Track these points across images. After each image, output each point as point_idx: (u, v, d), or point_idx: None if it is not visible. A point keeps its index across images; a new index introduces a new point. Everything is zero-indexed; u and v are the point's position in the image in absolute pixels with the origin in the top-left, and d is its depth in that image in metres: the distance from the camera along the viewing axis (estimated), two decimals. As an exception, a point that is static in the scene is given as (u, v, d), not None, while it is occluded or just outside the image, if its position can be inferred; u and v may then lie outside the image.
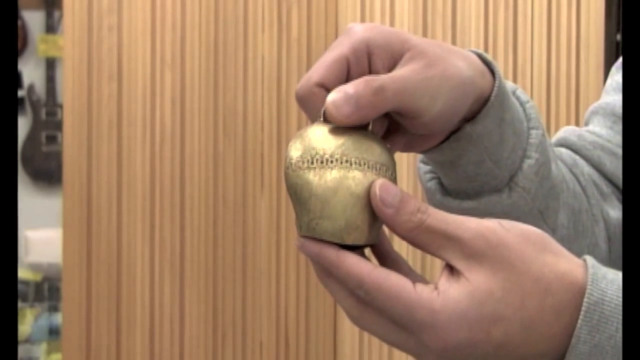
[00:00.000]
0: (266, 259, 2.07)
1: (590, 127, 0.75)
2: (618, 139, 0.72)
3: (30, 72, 3.67)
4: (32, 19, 3.65)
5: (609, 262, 0.71)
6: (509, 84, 0.63)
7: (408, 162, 1.95)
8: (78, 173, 2.04)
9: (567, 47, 2.04)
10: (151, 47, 2.05)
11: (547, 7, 2.04)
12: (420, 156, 0.65)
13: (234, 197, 2.06)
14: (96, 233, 2.04)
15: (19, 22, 3.59)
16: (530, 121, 0.62)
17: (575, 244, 0.67)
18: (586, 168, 0.72)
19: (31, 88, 3.65)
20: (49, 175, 3.64)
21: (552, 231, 0.64)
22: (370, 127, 0.53)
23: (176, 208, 2.05)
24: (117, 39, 2.04)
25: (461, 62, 0.55)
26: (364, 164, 0.51)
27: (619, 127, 0.72)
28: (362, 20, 2.06)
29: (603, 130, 0.73)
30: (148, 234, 2.05)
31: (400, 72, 0.52)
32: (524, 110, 0.62)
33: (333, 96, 0.50)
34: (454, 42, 2.05)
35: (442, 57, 0.53)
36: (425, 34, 2.05)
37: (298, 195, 0.51)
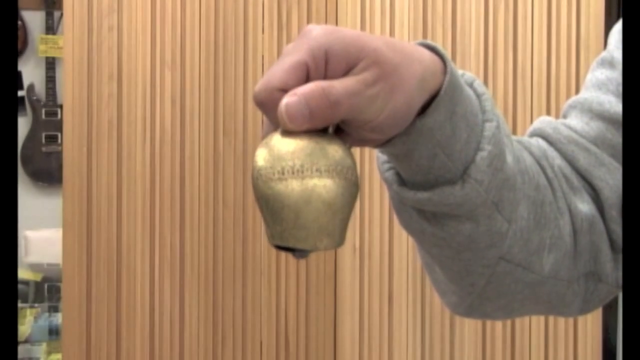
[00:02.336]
0: (266, 259, 2.07)
1: (567, 121, 0.75)
2: (593, 135, 0.72)
3: (30, 72, 3.67)
4: (32, 19, 3.65)
5: (574, 255, 0.70)
6: (467, 75, 0.63)
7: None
8: (78, 173, 2.04)
9: (567, 47, 2.04)
10: (151, 47, 2.05)
11: (547, 7, 2.04)
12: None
13: (234, 197, 2.06)
14: (96, 233, 2.04)
15: (19, 22, 3.59)
16: (485, 113, 0.62)
17: (535, 234, 0.67)
18: (558, 160, 0.72)
19: (31, 88, 3.65)
20: (49, 175, 3.64)
21: (508, 222, 0.65)
22: (330, 129, 0.54)
23: (176, 208, 2.05)
24: (117, 39, 2.04)
25: (416, 67, 0.55)
26: (333, 171, 0.52)
27: (594, 123, 0.73)
28: (362, 20, 2.06)
29: (579, 126, 0.73)
30: (148, 234, 2.05)
31: (353, 84, 0.52)
32: (480, 102, 0.62)
33: (286, 101, 0.51)
34: (454, 42, 2.05)
35: (397, 68, 0.54)
36: (425, 34, 2.05)
37: (270, 206, 0.52)
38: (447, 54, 0.59)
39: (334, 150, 0.52)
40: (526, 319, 2.06)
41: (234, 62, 2.06)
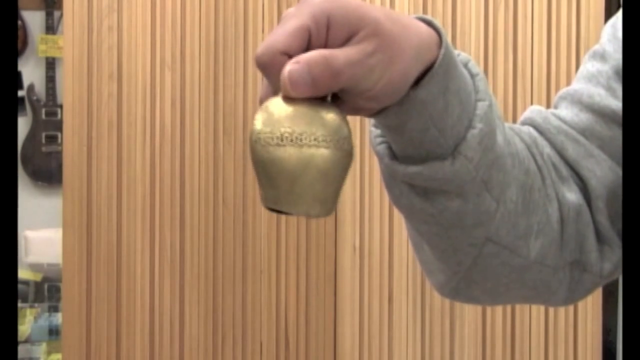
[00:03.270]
0: (266, 259, 2.07)
1: (557, 111, 0.76)
2: (582, 126, 0.73)
3: (30, 72, 3.67)
4: (32, 19, 3.65)
5: (560, 243, 0.71)
6: (463, 56, 0.64)
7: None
8: (78, 173, 2.04)
9: (567, 47, 2.04)
10: (151, 47, 2.05)
11: (547, 7, 2.04)
12: (371, 120, 0.66)
13: (234, 197, 2.06)
14: (96, 233, 2.04)
15: (19, 22, 3.59)
16: (479, 93, 0.63)
17: (523, 219, 0.68)
18: (547, 149, 0.72)
19: (31, 88, 3.65)
20: (49, 175, 3.64)
21: (497, 202, 0.65)
22: (329, 97, 0.55)
23: (176, 208, 2.05)
24: (117, 39, 2.04)
25: (413, 38, 0.57)
26: (330, 141, 0.53)
27: (584, 115, 0.73)
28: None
29: (569, 117, 0.74)
30: (148, 234, 2.05)
31: (354, 53, 0.53)
32: (474, 82, 0.63)
33: (290, 68, 0.52)
34: (454, 42, 2.05)
35: (395, 39, 0.55)
36: (425, 34, 2.05)
37: (267, 170, 0.53)
38: (442, 27, 0.60)
39: (332, 120, 0.53)
40: (526, 318, 2.06)
41: (234, 62, 2.06)
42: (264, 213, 2.05)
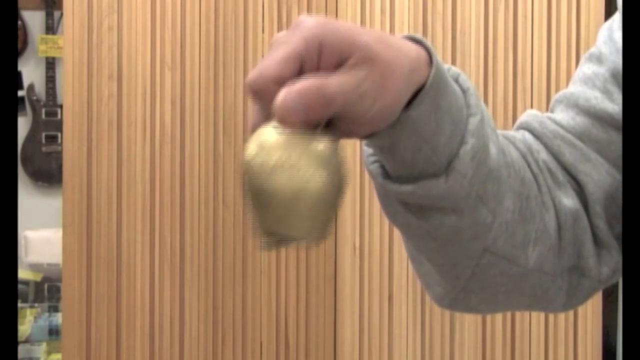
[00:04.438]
0: (266, 259, 2.07)
1: (553, 115, 0.75)
2: (578, 130, 0.73)
3: (30, 72, 3.67)
4: (32, 19, 3.65)
5: (558, 249, 0.71)
6: (453, 70, 0.64)
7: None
8: (78, 173, 2.04)
9: (567, 47, 2.04)
10: (151, 47, 2.05)
11: (547, 7, 2.04)
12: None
13: (234, 197, 2.06)
14: (96, 233, 2.04)
15: (19, 22, 3.59)
16: (470, 108, 0.63)
17: (520, 228, 0.68)
18: (543, 155, 0.72)
19: (31, 88, 3.65)
20: (49, 175, 3.64)
21: (493, 215, 0.65)
22: (322, 125, 0.55)
23: (176, 208, 2.05)
24: (117, 39, 2.04)
25: (404, 61, 0.56)
26: (324, 167, 0.52)
27: (580, 118, 0.73)
28: (362, 20, 2.06)
29: (565, 120, 0.74)
30: (148, 234, 2.05)
31: (347, 80, 0.53)
32: (465, 97, 0.63)
33: (283, 96, 0.52)
34: (454, 42, 2.05)
35: (388, 64, 0.55)
36: (425, 34, 2.05)
37: (260, 199, 0.52)
38: (434, 47, 0.60)
39: (326, 147, 0.53)
40: (526, 319, 2.06)
41: (234, 62, 2.06)
42: (264, 213, 2.05)
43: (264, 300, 2.07)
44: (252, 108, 0.56)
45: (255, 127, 0.54)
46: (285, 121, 0.52)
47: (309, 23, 0.54)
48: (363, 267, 2.07)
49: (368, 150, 0.66)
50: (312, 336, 2.08)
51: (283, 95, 0.51)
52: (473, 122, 0.62)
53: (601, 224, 0.71)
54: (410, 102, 0.58)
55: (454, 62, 2.05)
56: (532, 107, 2.04)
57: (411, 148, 0.60)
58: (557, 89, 2.04)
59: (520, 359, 2.06)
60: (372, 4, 2.05)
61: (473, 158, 0.61)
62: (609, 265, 0.72)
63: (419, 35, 0.60)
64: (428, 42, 0.60)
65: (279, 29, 2.07)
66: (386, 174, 0.64)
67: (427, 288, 0.74)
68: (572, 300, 0.74)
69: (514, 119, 2.04)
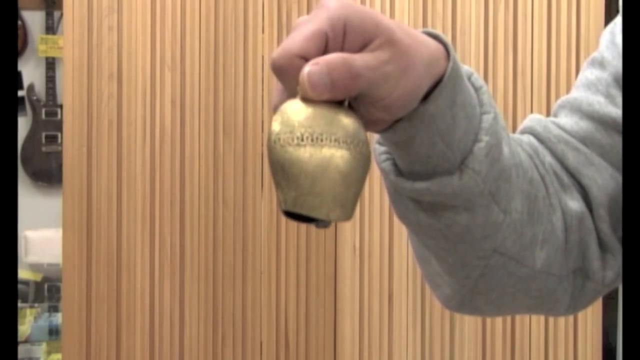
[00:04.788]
0: (266, 259, 2.07)
1: (557, 120, 0.76)
2: (582, 134, 0.73)
3: (30, 72, 3.67)
4: (32, 19, 3.65)
5: (564, 251, 0.71)
6: (465, 68, 0.64)
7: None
8: (78, 173, 2.04)
9: (567, 47, 2.04)
10: (151, 47, 2.05)
11: (547, 7, 2.04)
12: (376, 137, 0.66)
13: (234, 197, 2.06)
14: (96, 233, 2.04)
15: (19, 22, 3.59)
16: (483, 106, 0.63)
17: (529, 229, 0.68)
18: (548, 158, 0.73)
19: (31, 88, 3.65)
20: (49, 175, 3.64)
21: (504, 214, 0.65)
22: (346, 102, 0.55)
23: (176, 208, 2.05)
24: (117, 39, 2.04)
25: (424, 51, 0.57)
26: (350, 142, 0.52)
27: (584, 123, 0.73)
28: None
29: (568, 125, 0.74)
30: (148, 234, 2.05)
31: (372, 59, 0.54)
32: (478, 95, 0.63)
33: (309, 69, 0.52)
34: (454, 43, 2.05)
35: (408, 49, 0.55)
36: (425, 34, 2.05)
37: (286, 170, 0.52)
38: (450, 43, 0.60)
39: (351, 123, 0.53)
40: (526, 318, 2.06)
41: (234, 62, 2.06)
42: (264, 213, 2.06)
43: (264, 300, 2.07)
44: (275, 86, 0.56)
45: (277, 106, 0.54)
46: (310, 94, 0.52)
47: (333, 3, 0.54)
48: (363, 267, 2.07)
49: (380, 148, 0.66)
50: (312, 336, 2.08)
51: (309, 67, 0.52)
52: (487, 119, 0.62)
53: (605, 228, 0.71)
54: (426, 97, 0.59)
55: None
56: (532, 106, 2.04)
57: (427, 143, 0.60)
58: (557, 89, 2.04)
59: (520, 359, 2.06)
60: (372, 5, 2.05)
61: (487, 155, 0.62)
62: (613, 269, 0.72)
63: (437, 31, 0.61)
64: (446, 38, 0.60)
65: (279, 29, 2.07)
66: (398, 172, 0.64)
67: (435, 289, 0.74)
68: (575, 303, 0.74)
69: (514, 119, 2.04)
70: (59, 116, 3.58)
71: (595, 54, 0.77)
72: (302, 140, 0.51)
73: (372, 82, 0.53)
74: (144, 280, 2.05)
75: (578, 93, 0.76)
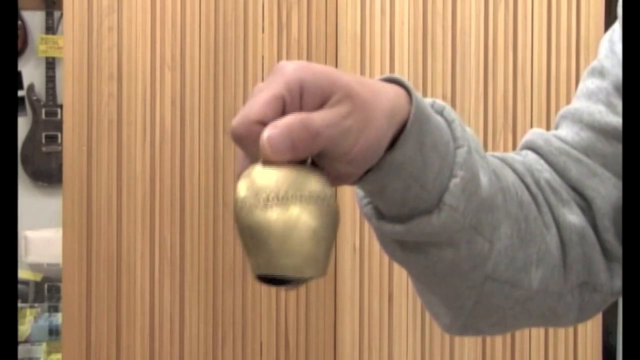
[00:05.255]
0: (266, 259, 2.07)
1: (558, 132, 0.76)
2: (583, 145, 0.73)
3: (30, 72, 3.67)
4: (32, 19, 3.65)
5: (563, 267, 0.71)
6: (437, 104, 0.64)
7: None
8: (78, 173, 2.04)
9: (567, 47, 2.04)
10: (151, 47, 2.05)
11: (547, 7, 2.04)
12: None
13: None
14: (96, 233, 2.04)
15: (19, 22, 3.59)
16: (457, 140, 0.63)
17: (521, 251, 0.68)
18: (546, 174, 0.72)
19: (31, 88, 3.65)
20: (49, 175, 3.64)
21: (490, 243, 0.65)
22: (309, 160, 0.55)
23: (176, 208, 2.05)
24: (117, 39, 2.04)
25: (383, 101, 0.57)
26: (317, 199, 0.52)
27: (585, 133, 0.73)
28: (362, 20, 2.06)
29: (569, 136, 0.74)
30: (148, 234, 2.05)
31: (330, 116, 0.54)
32: (451, 130, 0.63)
33: (269, 132, 0.52)
34: (454, 42, 2.05)
35: (366, 101, 0.55)
36: (425, 34, 2.05)
37: (255, 235, 0.52)
38: (412, 85, 0.60)
39: (315, 180, 0.53)
40: (526, 319, 2.06)
41: (234, 62, 2.06)
42: (264, 213, 2.06)
43: (264, 300, 2.07)
44: (238, 154, 0.56)
45: (241, 173, 0.54)
46: (272, 157, 0.52)
47: (289, 67, 0.54)
48: (363, 267, 2.07)
49: (360, 192, 0.66)
50: (312, 336, 2.08)
51: (269, 131, 0.52)
52: (461, 154, 0.62)
53: (611, 238, 0.71)
54: (393, 144, 0.59)
55: (454, 62, 2.05)
56: (532, 106, 2.04)
57: (400, 188, 0.60)
58: (557, 89, 2.04)
59: (520, 359, 2.06)
60: (372, 4, 2.05)
61: (464, 190, 0.61)
62: (621, 277, 0.72)
63: (396, 75, 0.61)
64: (406, 81, 0.60)
65: (279, 29, 2.07)
66: (380, 215, 0.65)
67: (435, 318, 0.74)
68: (584, 315, 0.74)
69: (514, 119, 2.04)
70: (59, 116, 3.58)
71: (594, 63, 0.77)
72: (268, 201, 0.51)
73: (332, 139, 0.53)
74: (144, 280, 2.05)
75: (579, 103, 0.76)
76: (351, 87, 0.55)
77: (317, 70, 0.55)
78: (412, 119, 0.58)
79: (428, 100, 0.63)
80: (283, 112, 0.53)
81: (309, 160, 0.55)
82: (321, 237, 0.52)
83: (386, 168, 0.59)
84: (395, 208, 0.62)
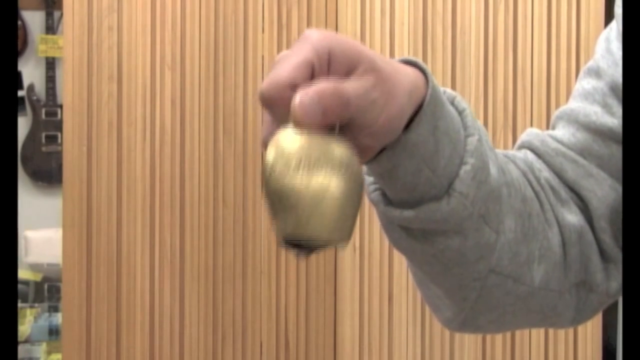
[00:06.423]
0: (266, 259, 2.07)
1: (554, 132, 0.76)
2: (579, 146, 0.73)
3: (30, 72, 3.67)
4: (32, 19, 3.65)
5: (563, 266, 0.71)
6: (448, 92, 0.65)
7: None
8: (78, 173, 2.04)
9: (567, 47, 2.04)
10: (151, 47, 2.05)
11: (547, 7, 2.04)
12: (364, 168, 0.66)
13: (234, 197, 2.06)
14: (96, 233, 2.04)
15: (19, 22, 3.59)
16: (467, 129, 0.63)
17: (524, 246, 0.68)
18: (545, 173, 0.73)
19: (31, 88, 3.65)
20: (49, 175, 3.64)
21: (496, 234, 0.65)
22: (336, 130, 0.55)
23: (176, 208, 2.05)
24: (117, 39, 2.04)
25: (404, 78, 0.58)
26: (345, 168, 0.53)
27: (581, 134, 0.73)
28: (362, 20, 2.06)
29: (565, 137, 0.74)
30: (148, 234, 2.05)
31: (359, 86, 0.54)
32: (462, 118, 0.64)
33: (301, 96, 0.52)
34: (454, 42, 2.05)
35: (390, 76, 0.56)
36: (425, 34, 2.05)
37: (284, 200, 0.52)
38: (429, 68, 0.61)
39: (344, 150, 0.54)
40: (526, 319, 2.06)
41: (234, 62, 2.06)
42: (264, 213, 2.06)
43: (264, 300, 2.07)
44: (265, 119, 0.56)
45: (267, 139, 0.54)
46: (303, 122, 0.52)
47: (316, 35, 0.55)
48: (363, 267, 2.07)
49: (369, 178, 0.66)
50: (312, 336, 2.08)
51: (301, 96, 0.52)
52: (471, 142, 0.62)
53: (607, 239, 0.71)
54: (408, 126, 0.59)
55: (454, 62, 2.05)
56: (532, 106, 2.04)
57: (412, 171, 0.60)
58: (557, 89, 2.04)
59: (520, 359, 2.06)
60: (372, 5, 2.05)
61: (474, 178, 0.62)
62: (617, 279, 0.72)
63: (415, 58, 0.61)
64: (424, 64, 0.61)
65: (279, 29, 2.07)
66: (388, 201, 0.65)
67: (435, 311, 0.74)
68: (580, 316, 0.74)
69: (514, 119, 2.04)
70: (59, 116, 3.58)
71: (591, 63, 0.77)
72: (298, 169, 0.52)
73: (360, 108, 0.54)
74: (144, 280, 2.05)
75: (575, 104, 0.76)
76: (375, 60, 0.56)
77: (343, 40, 0.55)
78: (429, 100, 0.59)
79: (440, 89, 0.63)
80: (311, 78, 0.54)
81: (337, 131, 0.55)
82: (349, 203, 0.52)
83: (399, 148, 0.59)
84: (404, 192, 0.62)
